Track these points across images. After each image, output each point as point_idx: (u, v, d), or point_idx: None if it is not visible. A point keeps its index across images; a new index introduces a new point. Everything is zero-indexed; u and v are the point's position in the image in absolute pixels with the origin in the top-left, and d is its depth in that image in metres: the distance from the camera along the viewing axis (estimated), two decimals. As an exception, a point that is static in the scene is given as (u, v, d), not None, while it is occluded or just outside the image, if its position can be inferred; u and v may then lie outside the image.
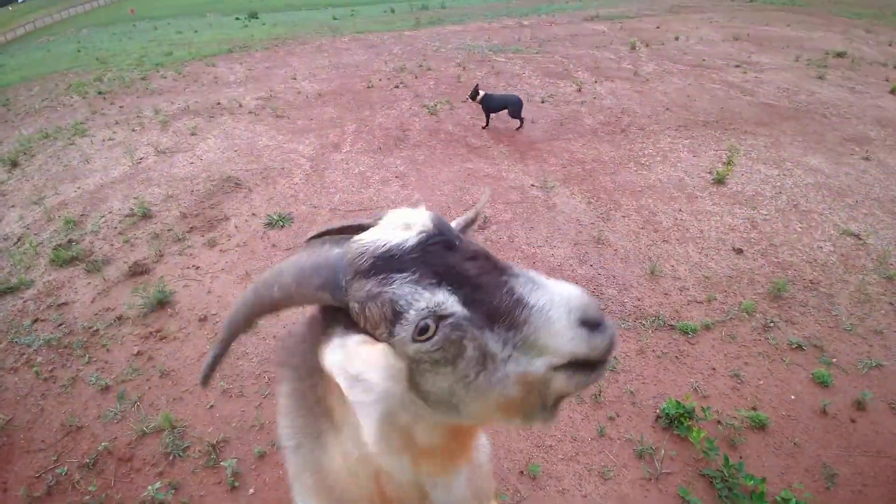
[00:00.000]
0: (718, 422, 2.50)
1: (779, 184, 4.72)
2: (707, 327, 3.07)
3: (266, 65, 11.20)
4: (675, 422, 2.45)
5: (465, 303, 0.58)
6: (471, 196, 4.73)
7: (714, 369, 2.80)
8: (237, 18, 23.10)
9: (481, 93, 6.18)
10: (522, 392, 0.59)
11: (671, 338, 3.01)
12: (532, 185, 4.90)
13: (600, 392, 2.64)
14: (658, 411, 2.54)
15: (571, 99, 7.37)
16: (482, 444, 0.98)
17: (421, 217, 0.64)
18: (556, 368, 0.58)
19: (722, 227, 4.08)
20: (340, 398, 0.67)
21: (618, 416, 2.55)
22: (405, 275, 0.58)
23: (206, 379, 0.74)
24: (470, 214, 0.86)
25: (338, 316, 0.63)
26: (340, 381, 0.57)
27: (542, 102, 7.26)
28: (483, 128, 6.46)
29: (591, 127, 6.31)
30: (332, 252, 0.63)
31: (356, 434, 0.68)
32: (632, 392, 2.67)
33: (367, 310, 0.59)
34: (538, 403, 0.61)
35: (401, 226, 0.63)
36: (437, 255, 0.60)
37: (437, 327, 0.57)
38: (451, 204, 4.60)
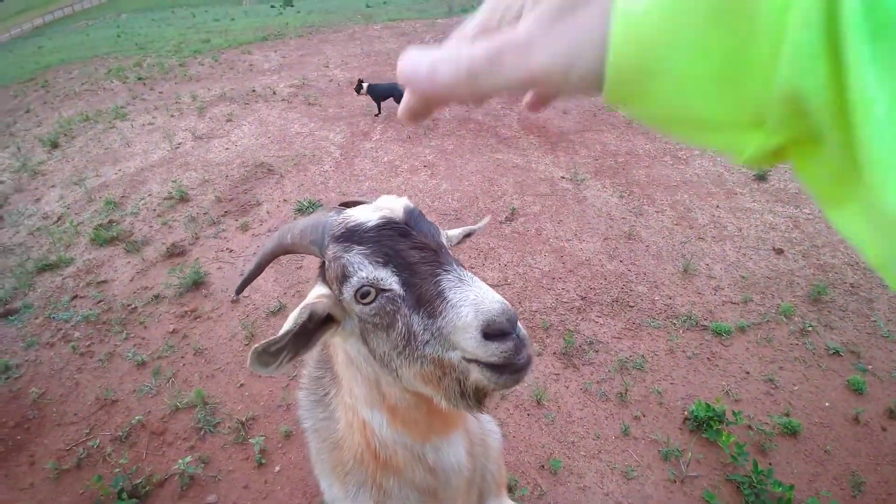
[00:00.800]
0: (749, 426, 2.42)
1: (825, 182, 4.49)
2: (742, 329, 2.96)
3: (300, 52, 11.32)
4: (704, 425, 2.38)
5: (403, 284, 0.69)
6: (499, 187, 4.68)
7: (748, 373, 2.71)
8: (272, 6, 23.39)
9: (364, 85, 6.51)
10: (440, 372, 0.68)
11: (703, 339, 2.92)
12: (562, 178, 4.81)
13: (626, 391, 2.60)
14: (686, 413, 2.47)
15: (606, 89, 7.18)
16: (492, 429, 1.05)
17: (395, 205, 0.77)
18: (470, 361, 0.66)
19: (762, 226, 3.92)
20: (338, 356, 0.84)
21: (644, 415, 2.50)
22: (361, 248, 0.71)
23: (239, 291, 0.94)
24: (469, 229, 1.02)
25: (322, 271, 0.80)
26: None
27: (575, 93, 7.10)
28: (375, 115, 6.71)
29: (625, 118, 6.13)
30: (328, 217, 0.77)
31: (349, 385, 0.84)
32: (659, 392, 2.61)
33: (330, 268, 0.75)
34: (457, 389, 0.68)
35: (377, 208, 0.76)
36: (390, 239, 0.71)
37: (376, 297, 0.70)
38: (479, 194, 4.56)
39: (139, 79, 10.16)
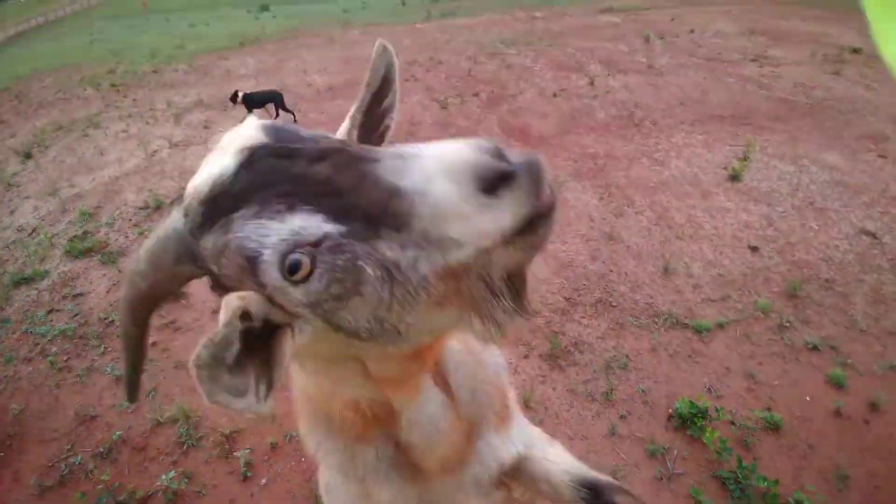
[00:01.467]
0: (732, 422, 2.47)
1: (795, 181, 4.64)
2: (721, 326, 3.04)
3: (277, 58, 11.21)
4: (689, 422, 2.43)
5: (336, 217, 0.44)
6: (482, 191, 4.71)
7: (728, 369, 2.78)
8: (248, 11, 23.11)
9: (240, 94, 6.42)
10: (454, 283, 0.47)
11: (684, 336, 2.98)
12: (543, 181, 4.87)
13: (612, 390, 2.63)
14: (671, 411, 2.52)
15: (584, 92, 7.29)
16: (496, 362, 0.89)
17: (248, 130, 0.51)
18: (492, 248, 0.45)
19: (737, 224, 4.03)
20: (297, 379, 0.71)
21: (629, 414, 2.54)
22: (241, 211, 0.45)
23: (133, 396, 0.65)
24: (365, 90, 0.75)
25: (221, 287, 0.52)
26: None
27: (554, 96, 7.20)
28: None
29: (603, 121, 6.24)
30: (174, 216, 0.51)
31: (326, 381, 0.69)
32: (643, 391, 2.65)
33: (222, 268, 0.48)
34: (485, 291, 0.48)
35: (223, 150, 0.50)
36: (274, 172, 0.46)
37: (313, 261, 0.45)
38: (462, 199, 4.58)
39: (112, 86, 9.93)
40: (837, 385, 2.63)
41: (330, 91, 8.13)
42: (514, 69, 8.68)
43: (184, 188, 0.52)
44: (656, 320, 3.11)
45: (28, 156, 6.61)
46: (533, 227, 0.44)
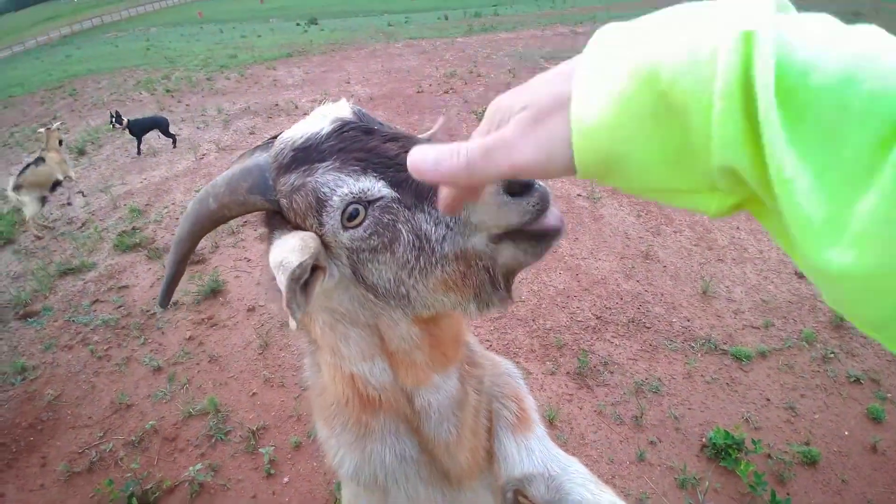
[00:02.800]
0: (769, 455, 2.34)
1: (849, 206, 4.40)
2: (763, 355, 2.88)
3: (322, 69, 11.59)
4: (723, 452, 2.31)
5: (393, 184, 0.56)
6: (515, 203, 4.68)
7: (768, 400, 2.63)
8: (298, 24, 24.06)
9: (125, 119, 6.31)
10: (465, 268, 0.57)
11: (722, 363, 2.85)
12: (578, 195, 4.80)
13: (642, 414, 2.54)
14: (704, 440, 2.40)
15: (624, 109, 7.18)
16: (507, 369, 0.92)
17: (340, 108, 0.64)
18: (498, 241, 0.55)
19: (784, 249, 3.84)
20: (316, 323, 0.70)
21: (660, 441, 2.44)
22: (327, 163, 0.57)
23: (165, 301, 0.73)
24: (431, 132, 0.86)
25: (275, 221, 0.63)
26: (275, 273, 0.55)
27: (594, 112, 7.12)
28: (135, 155, 6.58)
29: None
30: (259, 155, 0.62)
31: (332, 345, 0.70)
32: (676, 417, 2.54)
33: (293, 202, 0.58)
34: (486, 280, 0.58)
35: (322, 116, 0.62)
36: (356, 140, 0.58)
37: (366, 212, 0.57)
38: (495, 210, 4.57)
39: (167, 91, 10.49)
40: (876, 419, 2.48)
41: (371, 101, 8.33)
42: (554, 83, 8.64)
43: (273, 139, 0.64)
44: (692, 344, 2.98)
45: (82, 152, 7.04)
46: (539, 237, 0.55)
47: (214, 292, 3.68)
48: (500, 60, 10.83)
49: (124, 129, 6.44)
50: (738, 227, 4.12)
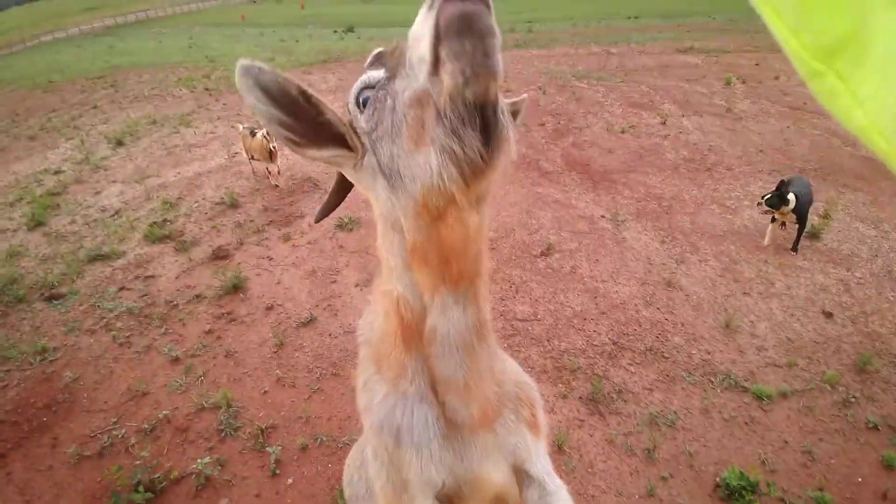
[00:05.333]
0: (782, 500, 2.24)
1: (875, 246, 4.24)
2: (784, 395, 2.78)
3: (356, 75, 11.76)
4: (736, 494, 2.23)
5: (387, 70, 0.66)
6: (536, 220, 4.66)
7: (786, 442, 2.53)
8: (335, 31, 24.61)
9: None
10: (420, 111, 0.58)
11: (742, 401, 2.76)
12: (602, 217, 4.75)
13: (655, 448, 2.47)
14: (718, 479, 2.32)
15: (654, 131, 7.10)
16: (525, 379, 0.95)
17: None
18: (436, 71, 0.54)
19: (812, 286, 3.72)
20: (381, 239, 0.78)
21: (672, 476, 2.36)
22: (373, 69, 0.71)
23: (318, 218, 0.95)
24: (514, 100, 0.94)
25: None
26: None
27: (622, 132, 7.06)
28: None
29: (672, 162, 6.03)
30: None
31: (386, 257, 0.77)
32: (690, 453, 2.47)
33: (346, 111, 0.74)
34: (435, 117, 0.57)
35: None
36: (380, 56, 0.71)
37: (372, 96, 0.67)
38: (516, 226, 4.56)
39: (206, 89, 10.84)
40: (890, 467, 2.39)
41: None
42: (584, 102, 8.62)
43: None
44: (712, 379, 2.90)
45: (120, 143, 7.30)
46: (461, 36, 0.51)
47: (236, 288, 3.75)
48: (530, 77, 10.86)
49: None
50: (766, 261, 4.02)
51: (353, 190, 0.88)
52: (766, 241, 4.22)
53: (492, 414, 0.86)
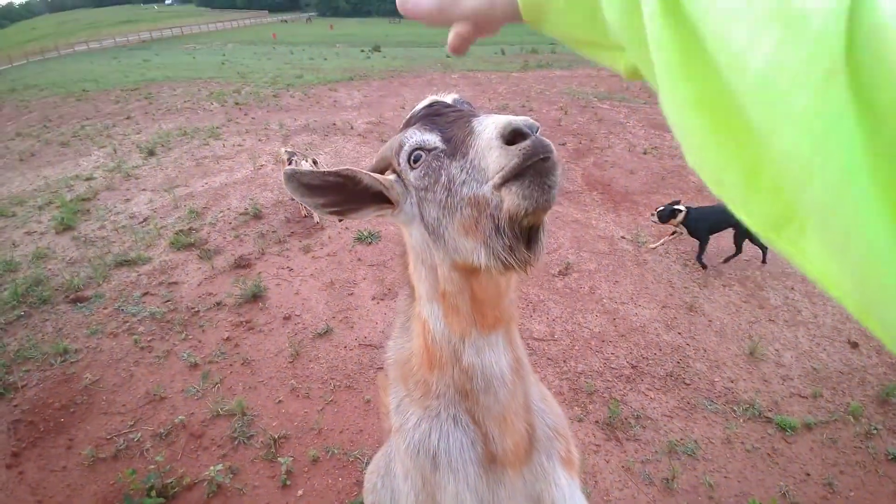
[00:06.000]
0: (810, 540, 2.14)
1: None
2: (808, 427, 2.68)
3: (380, 93, 12.08)
4: (760, 530, 2.13)
5: (444, 140, 0.71)
6: (555, 240, 4.63)
7: (808, 475, 2.42)
8: (362, 51, 25.27)
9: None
10: (476, 213, 0.66)
11: (765, 431, 2.66)
12: (622, 238, 4.70)
13: (674, 477, 2.39)
14: (740, 513, 2.23)
15: (677, 153, 7.03)
16: (558, 410, 0.99)
17: (444, 96, 0.83)
18: (500, 189, 0.63)
19: (839, 315, 3.59)
20: (410, 257, 0.85)
21: (690, 507, 2.28)
22: (414, 127, 0.76)
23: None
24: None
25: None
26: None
27: (644, 154, 7.02)
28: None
29: (696, 184, 5.96)
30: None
31: (418, 287, 0.83)
32: (711, 485, 2.38)
33: (394, 151, 0.79)
34: (493, 227, 0.65)
35: (426, 100, 0.82)
36: (437, 114, 0.76)
37: (425, 157, 0.73)
38: (536, 245, 4.54)
39: (236, 104, 11.20)
40: None
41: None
42: (605, 123, 8.62)
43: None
44: (735, 408, 2.81)
45: (151, 153, 7.56)
46: (526, 174, 0.61)
47: (255, 297, 3.81)
48: (552, 97, 10.93)
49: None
50: (792, 288, 3.90)
51: None
52: (654, 245, 4.48)
53: (524, 452, 0.88)
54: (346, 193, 0.78)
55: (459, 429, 0.85)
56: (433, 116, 0.76)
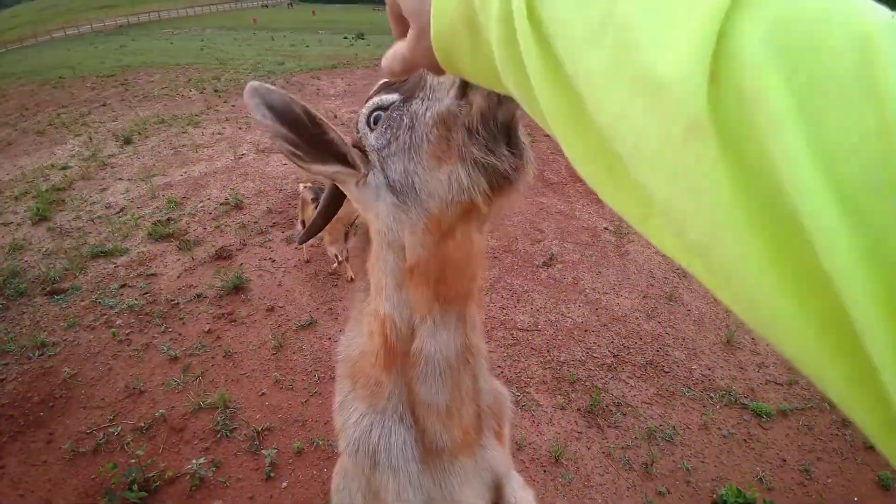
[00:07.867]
0: (782, 521, 2.23)
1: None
2: (784, 413, 2.77)
3: (364, 82, 11.91)
4: (734, 512, 2.21)
5: (402, 93, 0.69)
6: (540, 231, 4.67)
7: (784, 461, 2.51)
8: (345, 38, 24.85)
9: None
10: (446, 131, 0.63)
11: (741, 418, 2.74)
12: (605, 229, 4.75)
13: (653, 462, 2.45)
14: (715, 496, 2.30)
15: (659, 147, 7.12)
16: (501, 389, 0.98)
17: None
18: (464, 94, 0.60)
19: (815, 306, 3.70)
20: (373, 258, 0.79)
21: (668, 492, 2.34)
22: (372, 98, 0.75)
23: (302, 240, 0.97)
24: None
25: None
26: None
27: (628, 147, 7.08)
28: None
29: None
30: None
31: (377, 280, 0.79)
32: (688, 469, 2.45)
33: (354, 128, 0.78)
34: (465, 135, 0.61)
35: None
36: (393, 83, 0.73)
37: (384, 115, 0.70)
38: (519, 235, 4.56)
39: (215, 91, 10.93)
40: (885, 488, 2.38)
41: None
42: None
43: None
44: (712, 395, 2.88)
45: (128, 141, 7.34)
46: None
47: (237, 288, 3.76)
48: (538, 88, 10.92)
49: None
50: (768, 278, 4.01)
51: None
52: None
53: (473, 437, 0.87)
54: (309, 140, 0.73)
55: (403, 426, 0.82)
56: (389, 84, 0.74)
